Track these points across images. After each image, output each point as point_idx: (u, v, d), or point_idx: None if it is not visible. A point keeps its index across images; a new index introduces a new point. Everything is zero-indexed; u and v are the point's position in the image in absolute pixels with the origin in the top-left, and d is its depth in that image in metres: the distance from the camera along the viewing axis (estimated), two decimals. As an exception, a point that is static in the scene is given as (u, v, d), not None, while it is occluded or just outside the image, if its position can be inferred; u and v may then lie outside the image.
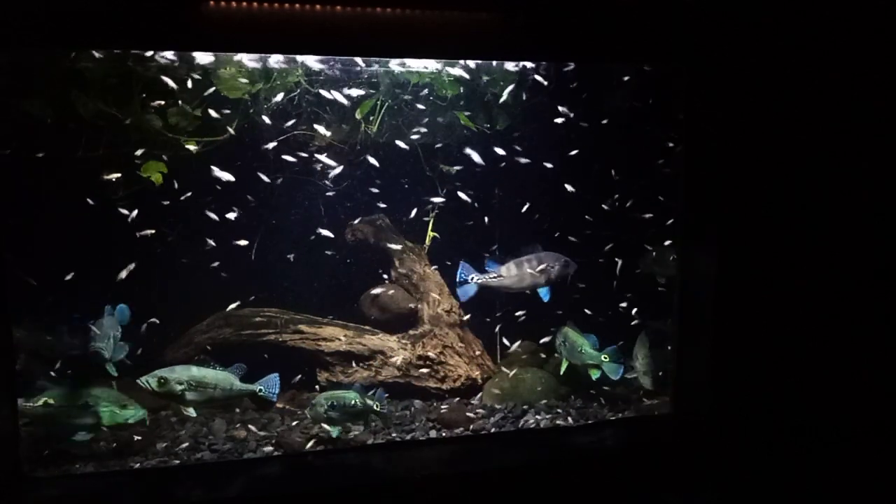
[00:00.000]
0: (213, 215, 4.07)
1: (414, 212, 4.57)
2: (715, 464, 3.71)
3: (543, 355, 4.76)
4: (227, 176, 3.96)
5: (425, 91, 4.39)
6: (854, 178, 3.77)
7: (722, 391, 3.76)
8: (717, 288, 3.70)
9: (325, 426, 3.83)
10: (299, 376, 4.33)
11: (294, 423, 4.07)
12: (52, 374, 3.75)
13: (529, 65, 4.40)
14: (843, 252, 3.79)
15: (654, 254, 4.71)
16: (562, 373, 4.37)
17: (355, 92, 4.21)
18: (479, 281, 4.31)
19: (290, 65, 4.10)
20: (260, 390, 3.74)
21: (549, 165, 4.48)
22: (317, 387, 4.41)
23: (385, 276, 4.74)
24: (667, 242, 4.52)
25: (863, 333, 3.85)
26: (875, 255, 3.83)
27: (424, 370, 4.44)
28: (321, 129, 4.26)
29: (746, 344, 3.75)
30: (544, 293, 4.34)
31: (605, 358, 4.24)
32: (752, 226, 3.69)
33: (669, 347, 4.36)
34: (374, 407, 3.84)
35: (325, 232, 4.35)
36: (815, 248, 3.76)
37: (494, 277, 4.32)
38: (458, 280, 4.32)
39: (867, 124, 3.73)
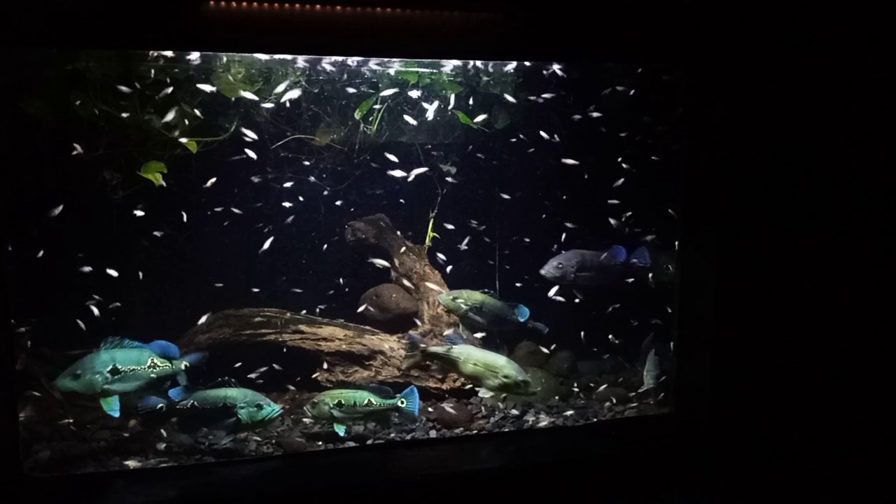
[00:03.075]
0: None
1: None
2: (715, 464, 3.71)
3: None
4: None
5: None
6: (854, 178, 3.77)
7: (722, 392, 3.76)
8: (717, 289, 3.70)
9: (334, 425, 3.84)
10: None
11: (294, 424, 4.08)
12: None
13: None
14: (842, 253, 3.79)
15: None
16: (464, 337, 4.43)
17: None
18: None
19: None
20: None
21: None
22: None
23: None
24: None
25: (862, 334, 3.85)
26: (875, 256, 3.84)
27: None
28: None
29: (746, 344, 3.75)
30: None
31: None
32: (751, 227, 3.69)
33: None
34: (399, 404, 3.86)
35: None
36: (814, 249, 3.76)
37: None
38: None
39: (867, 124, 3.73)
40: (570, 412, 4.25)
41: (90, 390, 3.53)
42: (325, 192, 4.46)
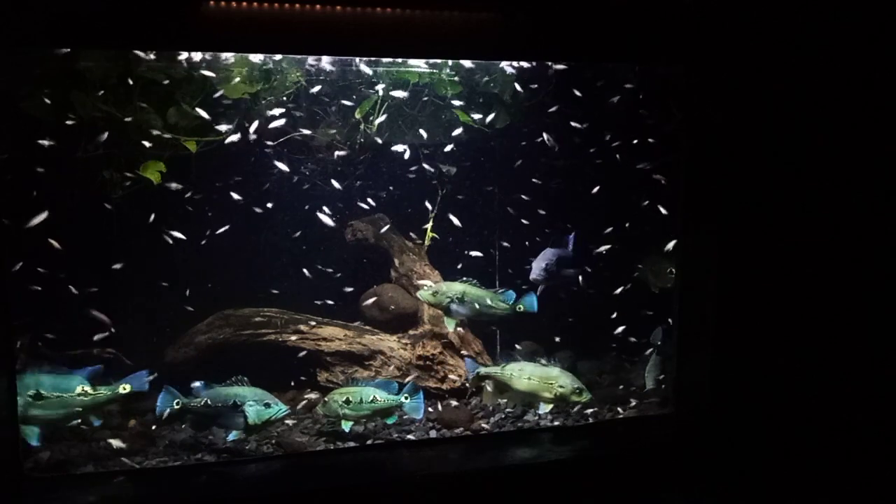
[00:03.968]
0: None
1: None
2: (715, 464, 3.71)
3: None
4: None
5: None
6: (855, 179, 3.77)
7: (722, 392, 3.76)
8: (717, 290, 3.70)
9: (342, 422, 3.86)
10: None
11: (294, 423, 4.09)
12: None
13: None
14: (842, 253, 3.79)
15: (648, 263, 4.69)
16: (451, 331, 4.42)
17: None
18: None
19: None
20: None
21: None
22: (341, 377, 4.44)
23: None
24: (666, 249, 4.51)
25: (862, 334, 3.85)
26: (875, 258, 3.83)
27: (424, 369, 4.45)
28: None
29: (746, 345, 3.75)
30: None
31: (521, 308, 4.21)
32: (751, 228, 3.69)
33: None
34: (403, 400, 3.87)
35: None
36: (814, 249, 3.76)
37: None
38: None
39: (867, 124, 3.73)
40: (570, 412, 4.25)
41: None
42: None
